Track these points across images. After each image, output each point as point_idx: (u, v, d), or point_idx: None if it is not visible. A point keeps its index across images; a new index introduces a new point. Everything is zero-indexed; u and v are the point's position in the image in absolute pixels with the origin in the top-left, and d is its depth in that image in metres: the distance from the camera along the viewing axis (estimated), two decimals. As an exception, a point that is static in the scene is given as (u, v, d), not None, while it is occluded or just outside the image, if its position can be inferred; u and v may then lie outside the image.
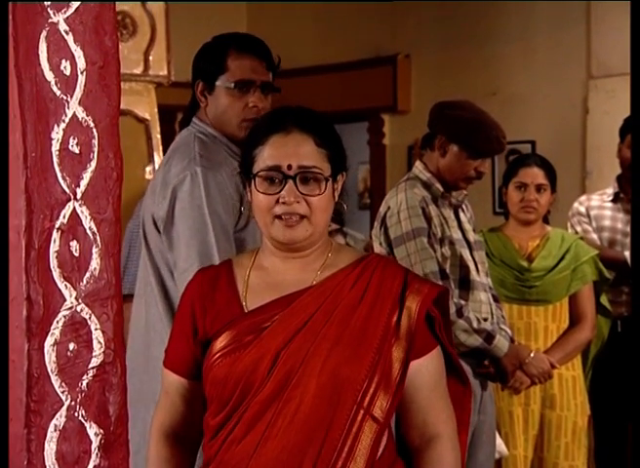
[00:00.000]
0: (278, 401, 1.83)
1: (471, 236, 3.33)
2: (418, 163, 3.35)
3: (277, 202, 1.86)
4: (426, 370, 1.92)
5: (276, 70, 2.76)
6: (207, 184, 2.52)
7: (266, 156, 1.88)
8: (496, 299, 3.37)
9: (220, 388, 1.86)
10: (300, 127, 1.89)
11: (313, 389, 1.82)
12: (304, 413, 1.82)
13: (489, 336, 3.18)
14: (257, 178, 1.87)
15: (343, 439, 1.83)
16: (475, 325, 3.15)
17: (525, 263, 3.83)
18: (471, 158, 3.23)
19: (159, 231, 2.56)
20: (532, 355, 3.53)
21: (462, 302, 3.16)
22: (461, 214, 3.34)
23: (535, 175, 3.84)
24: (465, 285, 3.22)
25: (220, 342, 1.88)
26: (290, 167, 1.86)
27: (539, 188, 3.83)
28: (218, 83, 2.64)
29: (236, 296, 1.93)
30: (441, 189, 3.27)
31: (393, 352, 1.88)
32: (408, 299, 1.90)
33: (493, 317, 3.27)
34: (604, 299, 3.93)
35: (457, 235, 3.26)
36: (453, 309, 3.11)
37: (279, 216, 1.86)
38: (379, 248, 3.27)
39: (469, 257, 3.26)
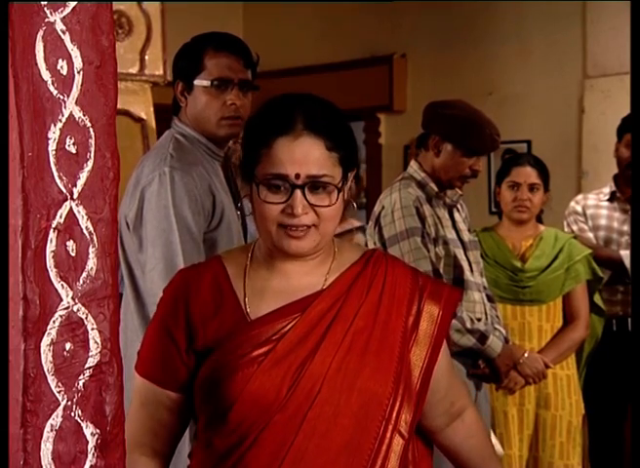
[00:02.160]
0: (299, 421, 1.66)
1: (466, 236, 3.34)
2: (412, 163, 3.36)
3: (283, 211, 1.68)
4: (443, 363, 1.82)
5: (255, 68, 2.75)
6: (174, 185, 2.52)
7: (272, 162, 1.68)
8: (490, 299, 3.37)
9: (231, 409, 1.68)
10: (309, 129, 1.69)
11: (339, 407, 1.68)
12: (330, 434, 1.67)
13: (482, 337, 3.18)
14: (260, 185, 1.69)
15: (373, 460, 1.69)
16: (468, 325, 3.15)
17: (518, 264, 3.84)
18: (466, 156, 3.24)
19: (119, 231, 2.58)
20: (526, 355, 3.54)
21: (456, 302, 3.16)
22: (456, 214, 3.35)
23: (527, 174, 3.85)
24: (459, 284, 3.23)
25: (224, 355, 1.70)
26: (298, 176, 1.67)
27: (531, 188, 3.84)
28: (195, 82, 2.65)
29: (237, 301, 1.75)
30: (435, 189, 3.28)
31: (412, 358, 1.75)
32: (427, 302, 1.78)
33: (487, 317, 3.28)
34: (597, 298, 3.94)
35: (451, 235, 3.26)
36: (446, 309, 3.12)
37: (284, 226, 1.69)
38: (372, 247, 3.27)
39: (463, 257, 3.26)
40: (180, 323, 1.74)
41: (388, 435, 1.70)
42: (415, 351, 1.76)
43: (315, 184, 1.68)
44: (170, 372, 1.75)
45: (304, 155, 1.67)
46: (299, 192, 1.67)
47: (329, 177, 1.69)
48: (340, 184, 1.71)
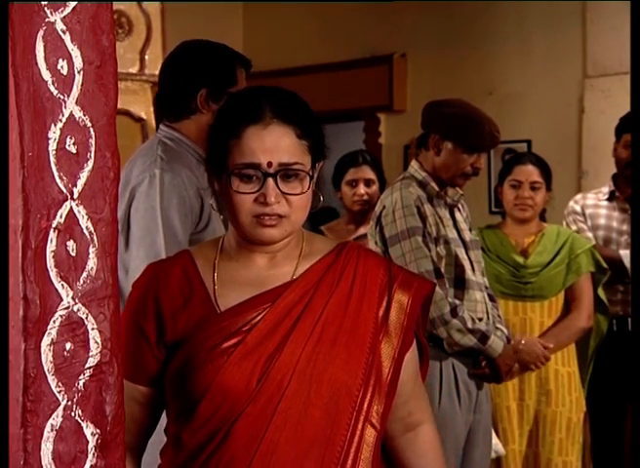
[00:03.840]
0: (270, 413, 1.66)
1: (467, 235, 3.34)
2: (413, 162, 3.36)
3: (255, 200, 1.68)
4: (410, 363, 1.81)
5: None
6: (163, 187, 2.53)
7: (243, 151, 1.68)
8: (492, 299, 3.37)
9: (201, 401, 1.67)
10: (279, 117, 1.69)
11: (310, 399, 1.67)
12: (302, 426, 1.67)
13: (483, 337, 3.18)
14: (232, 176, 1.69)
15: (346, 451, 1.69)
16: (469, 325, 3.15)
17: (520, 260, 3.85)
18: (466, 153, 3.24)
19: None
20: (523, 341, 3.55)
21: (457, 302, 3.16)
22: (457, 214, 3.35)
23: (529, 172, 3.85)
24: (460, 284, 3.23)
25: (194, 347, 1.69)
26: (270, 164, 1.67)
27: (533, 186, 3.84)
28: (229, 92, 2.62)
29: (206, 293, 1.74)
30: (436, 188, 3.28)
31: (382, 349, 1.75)
32: (397, 292, 1.77)
33: (488, 317, 3.28)
34: (601, 292, 3.94)
35: (452, 234, 3.26)
36: (447, 309, 3.12)
37: (257, 216, 1.69)
38: (374, 246, 3.28)
39: (465, 256, 3.27)
40: (149, 316, 1.74)
41: (360, 426, 1.70)
42: (385, 342, 1.75)
43: (287, 172, 1.68)
44: (140, 366, 1.74)
45: (275, 143, 1.68)
46: (271, 180, 1.67)
47: (300, 165, 1.70)
48: (310, 172, 1.72)
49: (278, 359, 1.67)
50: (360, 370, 1.71)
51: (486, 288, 3.36)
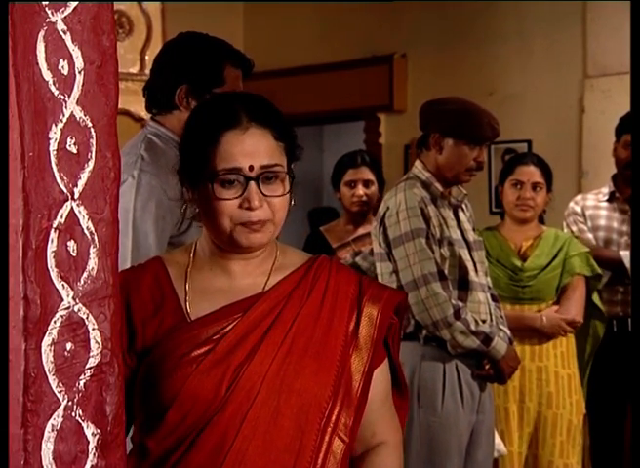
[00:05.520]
0: (239, 422, 1.64)
1: (471, 236, 3.33)
2: (417, 162, 3.35)
3: (240, 206, 1.67)
4: (379, 382, 1.78)
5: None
6: (139, 189, 2.49)
7: (223, 157, 1.66)
8: (494, 299, 3.37)
9: (169, 408, 1.65)
10: (257, 121, 1.68)
11: (279, 408, 1.66)
12: (270, 436, 1.65)
13: (487, 339, 3.18)
14: (214, 184, 1.67)
15: (314, 462, 1.67)
16: (473, 327, 3.15)
17: (519, 263, 3.85)
18: (468, 147, 3.24)
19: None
20: (544, 319, 3.62)
21: (460, 304, 3.16)
22: (461, 214, 3.35)
23: (531, 173, 3.85)
24: (464, 285, 3.22)
25: (163, 355, 1.68)
26: (252, 168, 1.66)
27: (534, 187, 3.84)
28: (213, 92, 2.53)
29: (177, 302, 1.73)
30: (440, 189, 3.28)
31: (352, 363, 1.73)
32: (366, 306, 1.76)
33: (491, 318, 3.27)
34: (596, 299, 3.94)
35: (455, 235, 3.26)
36: (450, 311, 3.12)
37: (242, 224, 1.68)
38: (378, 247, 3.27)
39: (468, 258, 3.26)
40: (127, 323, 1.71)
41: (326, 438, 1.69)
42: (356, 356, 1.74)
43: (268, 175, 1.68)
44: None
45: (255, 146, 1.67)
46: (253, 184, 1.66)
47: (280, 166, 1.70)
48: (289, 173, 1.72)
49: (247, 368, 1.66)
50: (330, 382, 1.70)
51: (489, 288, 3.35)
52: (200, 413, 1.65)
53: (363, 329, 1.75)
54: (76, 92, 1.25)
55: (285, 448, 1.66)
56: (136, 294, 1.73)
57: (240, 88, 2.63)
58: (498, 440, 3.49)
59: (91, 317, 1.29)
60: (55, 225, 1.25)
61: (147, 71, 4.58)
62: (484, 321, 3.22)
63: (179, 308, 1.72)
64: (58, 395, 1.27)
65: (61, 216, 1.26)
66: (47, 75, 1.23)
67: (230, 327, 1.69)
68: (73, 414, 1.28)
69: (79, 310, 1.28)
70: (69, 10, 1.24)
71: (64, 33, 1.24)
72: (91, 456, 1.29)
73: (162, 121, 2.64)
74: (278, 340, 1.69)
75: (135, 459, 1.72)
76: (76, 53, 1.25)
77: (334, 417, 1.70)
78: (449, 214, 3.28)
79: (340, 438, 1.71)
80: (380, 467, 1.79)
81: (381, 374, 1.80)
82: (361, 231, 4.16)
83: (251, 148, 1.67)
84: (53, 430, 1.26)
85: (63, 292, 1.27)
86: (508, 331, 3.31)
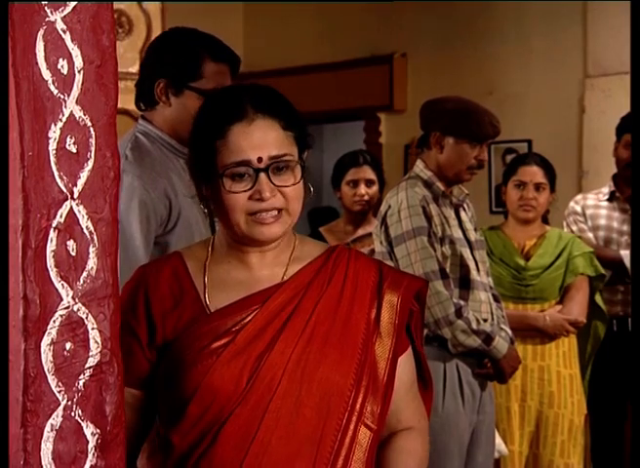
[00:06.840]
0: (261, 413, 1.64)
1: (472, 235, 3.34)
2: (418, 162, 3.36)
3: (250, 198, 1.67)
4: (404, 369, 1.78)
5: (236, 74, 2.65)
6: (120, 191, 2.46)
7: (231, 150, 1.66)
8: (496, 299, 3.37)
9: (192, 401, 1.65)
10: (263, 112, 1.68)
11: (300, 398, 1.65)
12: (293, 426, 1.65)
13: (488, 338, 3.18)
14: (223, 178, 1.66)
15: (336, 451, 1.67)
16: (474, 326, 3.15)
17: (522, 262, 3.85)
18: (469, 145, 3.25)
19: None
20: (548, 318, 3.61)
21: (462, 303, 3.16)
22: (462, 213, 3.35)
23: (534, 173, 3.86)
24: (465, 284, 3.23)
25: (183, 348, 1.68)
26: (260, 159, 1.66)
27: (537, 187, 3.85)
28: (193, 86, 2.51)
29: (196, 294, 1.73)
30: (442, 188, 3.28)
31: (376, 350, 1.73)
32: (387, 293, 1.75)
33: (493, 317, 3.27)
34: (599, 299, 3.94)
35: (457, 234, 3.26)
36: (452, 309, 3.12)
37: (254, 214, 1.67)
38: (379, 246, 3.27)
39: (470, 256, 3.26)
40: (140, 318, 1.72)
41: (352, 426, 1.68)
42: (379, 343, 1.74)
43: (278, 165, 1.67)
44: (132, 369, 1.69)
45: (263, 137, 1.67)
46: (263, 176, 1.66)
47: (290, 156, 1.69)
48: (300, 162, 1.71)
49: (268, 358, 1.66)
50: (352, 370, 1.69)
51: (490, 288, 3.35)
52: (221, 406, 1.65)
53: (384, 315, 1.75)
54: (76, 91, 1.25)
55: (307, 438, 1.66)
56: (155, 289, 1.73)
57: (227, 83, 2.54)
58: (498, 440, 3.49)
59: (90, 316, 1.29)
60: (54, 225, 1.25)
61: (147, 71, 4.58)
62: (485, 320, 3.22)
63: (198, 301, 1.72)
64: (57, 395, 1.26)
65: (61, 216, 1.26)
66: (46, 74, 1.23)
67: (250, 318, 1.68)
68: (73, 414, 1.28)
69: (78, 310, 1.28)
70: (69, 9, 1.24)
71: (64, 32, 1.24)
72: (90, 456, 1.29)
73: (149, 118, 2.62)
74: (298, 330, 1.68)
75: (160, 455, 1.72)
76: (76, 52, 1.25)
77: (358, 405, 1.69)
78: (450, 213, 3.28)
79: (367, 426, 1.70)
80: (405, 451, 1.79)
81: (406, 362, 1.79)
82: (360, 232, 4.16)
83: (258, 140, 1.67)
84: (52, 430, 1.26)
85: (63, 292, 1.27)
86: (510, 331, 3.31)
